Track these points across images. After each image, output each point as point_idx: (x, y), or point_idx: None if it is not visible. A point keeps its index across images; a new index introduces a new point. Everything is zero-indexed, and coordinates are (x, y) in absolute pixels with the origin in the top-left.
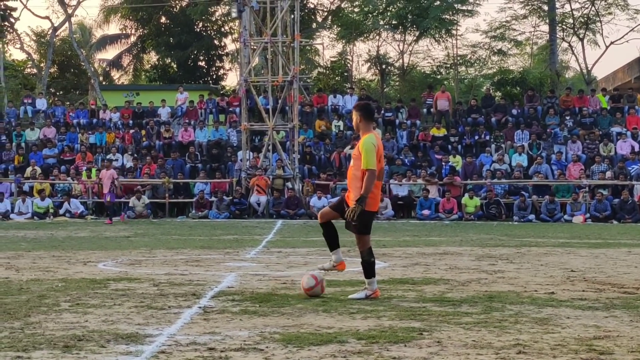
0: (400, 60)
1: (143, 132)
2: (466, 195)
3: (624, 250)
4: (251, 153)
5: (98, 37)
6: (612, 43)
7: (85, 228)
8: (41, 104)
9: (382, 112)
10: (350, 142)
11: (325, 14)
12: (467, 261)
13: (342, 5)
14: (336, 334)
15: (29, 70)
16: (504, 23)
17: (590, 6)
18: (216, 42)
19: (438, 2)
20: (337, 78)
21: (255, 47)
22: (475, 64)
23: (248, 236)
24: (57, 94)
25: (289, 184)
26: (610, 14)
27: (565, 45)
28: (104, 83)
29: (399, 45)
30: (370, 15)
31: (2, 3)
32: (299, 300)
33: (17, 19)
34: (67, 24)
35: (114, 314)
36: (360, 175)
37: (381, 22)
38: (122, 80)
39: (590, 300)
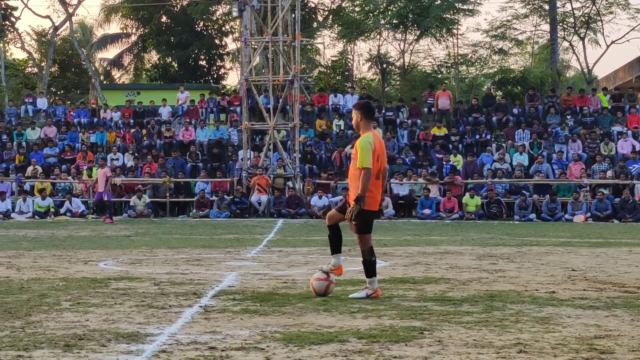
0: (401, 60)
1: (144, 131)
2: (467, 194)
3: (624, 250)
4: (252, 152)
5: (99, 37)
6: (613, 42)
7: (86, 227)
8: (42, 103)
9: (383, 111)
10: (351, 142)
11: (326, 13)
12: (468, 260)
13: (343, 5)
14: (337, 333)
15: (29, 69)
16: (504, 22)
17: (591, 5)
18: (217, 41)
19: (439, 2)
20: (338, 77)
21: (256, 47)
22: (476, 64)
23: (249, 235)
24: (58, 93)
25: (290, 183)
26: (611, 13)
27: (566, 44)
28: (104, 82)
29: (399, 45)
30: (371, 15)
31: (3, 2)
32: (300, 300)
33: (18, 18)
34: (68, 23)
35: (114, 313)
36: (358, 174)
37: (382, 22)
38: (123, 80)
39: (591, 300)
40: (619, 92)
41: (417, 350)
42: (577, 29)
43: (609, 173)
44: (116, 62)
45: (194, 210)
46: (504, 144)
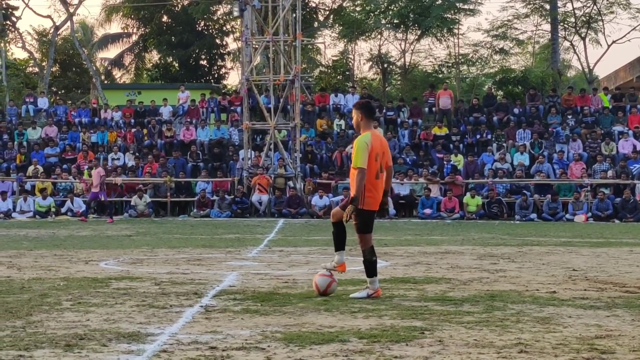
0: (402, 59)
1: (145, 131)
2: (468, 194)
3: (625, 250)
4: (253, 152)
5: (100, 36)
6: (614, 42)
7: (87, 227)
8: (43, 102)
9: (384, 111)
10: (352, 141)
11: (327, 12)
12: (468, 260)
13: (344, 4)
14: (338, 333)
15: (30, 69)
16: (505, 22)
17: (592, 5)
18: (218, 41)
19: (440, 1)
20: (338, 77)
21: (257, 46)
22: (477, 63)
23: (250, 235)
24: (59, 92)
25: (291, 183)
26: (612, 12)
27: (567, 44)
28: (105, 82)
29: (400, 44)
30: (372, 14)
31: (4, 2)
32: (301, 299)
33: (19, 18)
34: (68, 23)
35: (115, 312)
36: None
37: (383, 21)
38: (124, 79)
39: (592, 300)
40: (620, 92)
41: (418, 350)
42: (578, 28)
43: (610, 173)
44: (117, 62)
45: (195, 210)
46: (504, 144)
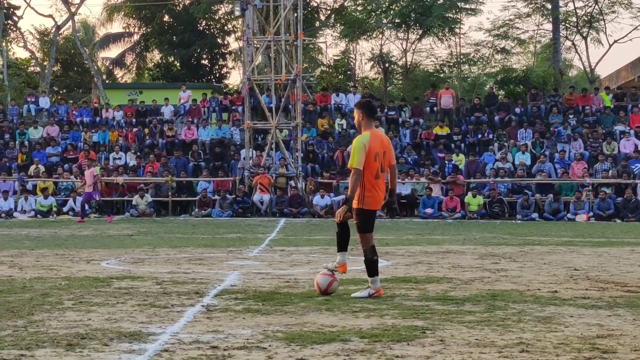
0: (404, 59)
1: (146, 130)
2: (469, 193)
3: (627, 249)
4: (254, 151)
5: (101, 36)
6: (615, 42)
7: (89, 226)
8: (44, 102)
9: (385, 110)
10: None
11: (329, 12)
12: (470, 260)
13: (345, 4)
14: (339, 333)
15: (32, 68)
16: (507, 21)
17: (593, 4)
18: (219, 40)
19: (441, 1)
20: (340, 77)
21: (258, 46)
22: (479, 63)
23: (251, 235)
24: (61, 92)
25: (292, 183)
26: (613, 12)
27: (568, 43)
28: (107, 81)
29: (402, 44)
30: (374, 14)
31: (5, 1)
32: (302, 299)
33: (20, 18)
34: (70, 23)
35: (117, 312)
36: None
37: (384, 21)
38: (125, 79)
39: (594, 299)
40: (622, 92)
41: (419, 350)
42: (579, 28)
43: (611, 172)
44: (118, 61)
45: (196, 210)
46: (506, 143)
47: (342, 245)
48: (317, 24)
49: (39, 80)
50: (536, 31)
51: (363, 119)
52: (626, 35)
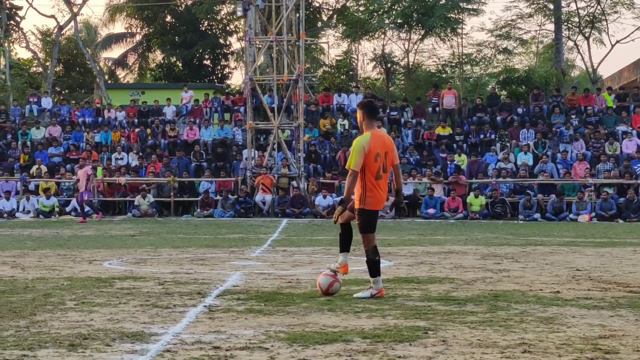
0: (406, 59)
1: (148, 130)
2: (471, 194)
3: (629, 250)
4: (256, 152)
5: (103, 36)
6: (618, 42)
7: (91, 227)
8: (47, 102)
9: (388, 111)
10: None
11: (331, 12)
12: (472, 260)
13: (348, 4)
14: (341, 333)
15: (34, 69)
16: (509, 22)
17: (596, 5)
18: (221, 40)
19: (443, 1)
20: (342, 77)
21: (260, 46)
22: (481, 63)
23: (253, 235)
24: (63, 92)
25: (294, 183)
26: (616, 12)
27: (570, 44)
28: (109, 82)
29: (404, 44)
30: (376, 14)
31: (7, 2)
32: (304, 299)
33: (22, 18)
34: (72, 23)
35: (119, 312)
36: (351, 174)
37: (386, 21)
38: (128, 79)
39: (596, 300)
40: (624, 92)
41: (422, 350)
42: (581, 28)
43: (614, 173)
44: (121, 62)
45: (198, 210)
46: (508, 144)
47: (344, 246)
48: (319, 24)
49: (41, 81)
50: (538, 31)
51: (364, 119)
52: (628, 36)
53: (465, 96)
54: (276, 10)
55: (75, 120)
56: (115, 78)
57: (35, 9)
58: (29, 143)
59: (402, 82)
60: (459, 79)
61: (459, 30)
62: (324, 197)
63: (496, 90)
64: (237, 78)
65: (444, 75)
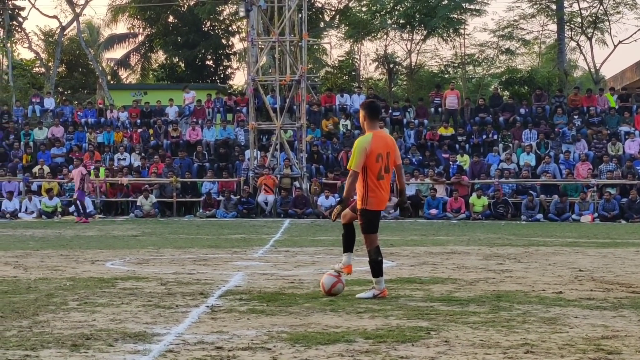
0: (408, 60)
1: (151, 131)
2: (474, 194)
3: (632, 250)
4: (259, 152)
5: (106, 37)
6: (620, 42)
7: (93, 227)
8: (49, 103)
9: (390, 111)
10: None
11: (333, 13)
12: (474, 260)
13: (350, 5)
14: (344, 334)
15: (37, 69)
16: (512, 22)
17: (598, 5)
18: (224, 41)
19: (446, 1)
20: (344, 77)
21: (262, 46)
22: (483, 63)
23: (255, 235)
24: (65, 93)
25: (297, 183)
26: (618, 13)
27: (573, 44)
28: (111, 82)
29: (406, 45)
30: (378, 15)
31: (10, 2)
32: (307, 300)
33: (25, 18)
34: (75, 23)
35: (121, 312)
36: (353, 174)
37: (389, 22)
38: (130, 80)
39: (598, 300)
40: (627, 92)
41: (424, 351)
42: (584, 28)
43: (616, 173)
44: (123, 62)
45: (201, 210)
46: (511, 144)
47: (348, 246)
48: (322, 24)
49: (43, 81)
50: (541, 32)
51: (366, 120)
52: (631, 36)
53: (468, 97)
54: (279, 10)
55: (78, 121)
56: (117, 78)
57: (37, 9)
58: (31, 143)
59: (405, 83)
60: (461, 79)
61: (462, 31)
62: (327, 197)
63: (499, 90)
64: (239, 78)
65: (446, 76)
